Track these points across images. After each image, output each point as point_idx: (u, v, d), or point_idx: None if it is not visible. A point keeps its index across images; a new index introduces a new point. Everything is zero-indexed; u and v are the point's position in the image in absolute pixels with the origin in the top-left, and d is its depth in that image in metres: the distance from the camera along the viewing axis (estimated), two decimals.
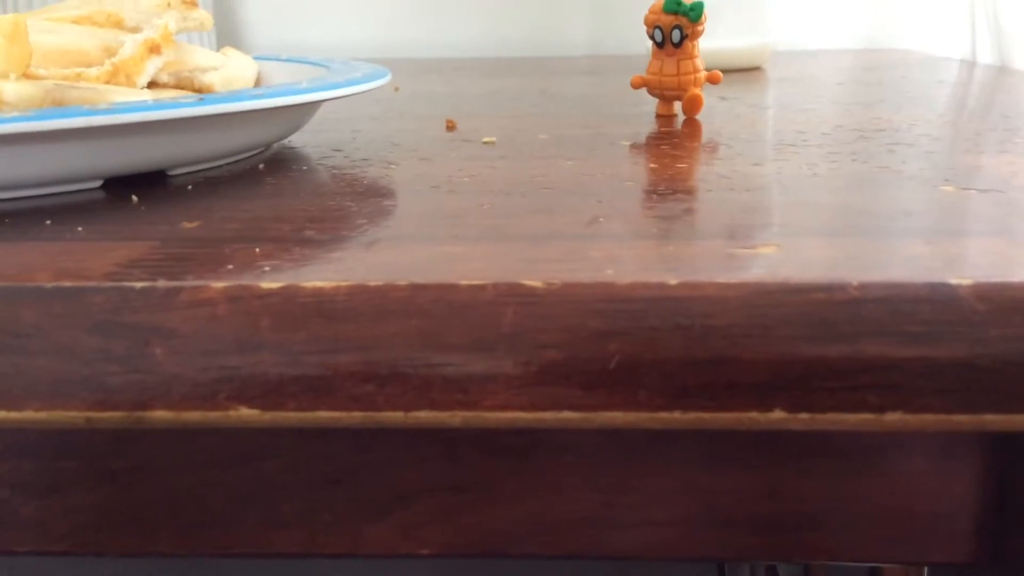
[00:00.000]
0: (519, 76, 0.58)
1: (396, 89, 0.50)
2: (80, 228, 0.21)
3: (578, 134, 0.34)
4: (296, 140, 0.34)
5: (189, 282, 0.17)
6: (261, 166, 0.29)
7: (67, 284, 0.17)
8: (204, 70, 0.33)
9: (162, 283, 0.17)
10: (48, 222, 0.22)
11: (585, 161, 0.28)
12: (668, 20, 0.36)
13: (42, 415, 0.17)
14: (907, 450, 0.21)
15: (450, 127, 0.36)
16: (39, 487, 0.22)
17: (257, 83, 0.36)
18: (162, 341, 0.17)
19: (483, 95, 0.48)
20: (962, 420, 0.16)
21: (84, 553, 0.23)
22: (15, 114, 0.21)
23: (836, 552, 0.22)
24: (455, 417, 0.17)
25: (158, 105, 0.23)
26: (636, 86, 0.37)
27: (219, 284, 0.17)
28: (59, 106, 0.24)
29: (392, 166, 0.29)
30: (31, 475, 0.22)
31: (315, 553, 0.23)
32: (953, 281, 0.16)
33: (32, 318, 0.17)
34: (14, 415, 0.17)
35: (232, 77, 0.34)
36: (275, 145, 0.33)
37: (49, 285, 0.17)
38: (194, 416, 0.17)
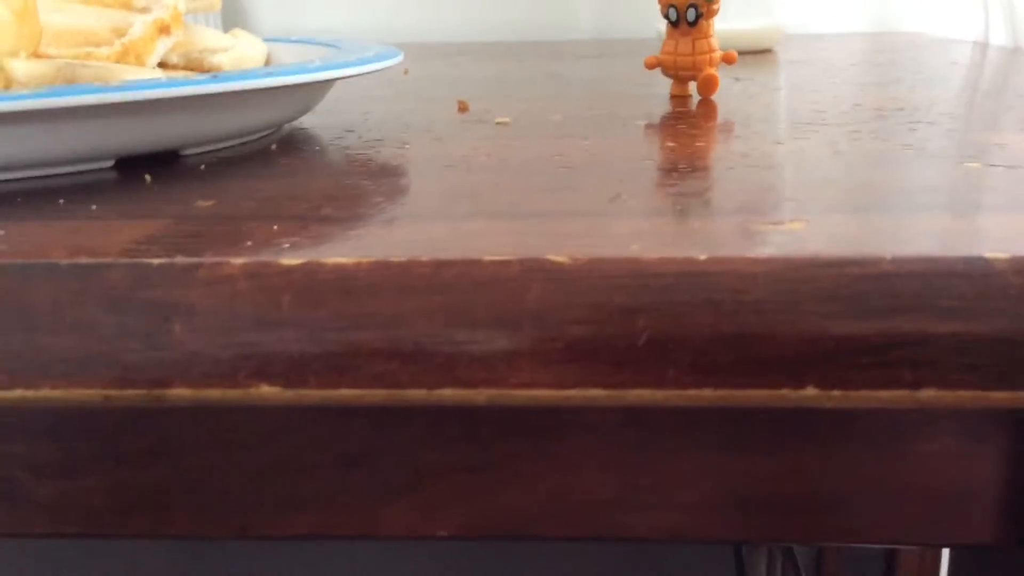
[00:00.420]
0: (526, 59, 0.57)
1: (405, 72, 0.50)
2: (94, 207, 0.21)
3: (592, 115, 0.34)
4: (307, 121, 0.34)
5: (208, 258, 0.17)
6: (274, 147, 0.29)
7: (83, 261, 0.17)
8: (214, 51, 0.33)
9: (180, 259, 0.17)
10: (61, 201, 0.21)
11: (602, 140, 0.28)
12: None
13: (59, 393, 0.17)
14: (931, 431, 0.21)
15: (462, 108, 0.35)
16: (54, 468, 0.22)
17: (267, 64, 0.36)
18: (181, 318, 0.16)
19: (492, 77, 0.47)
20: (998, 397, 0.16)
21: (98, 536, 0.23)
22: (26, 91, 0.21)
23: (858, 534, 0.22)
24: (480, 395, 0.17)
25: (171, 83, 0.23)
26: (650, 66, 0.37)
27: (238, 260, 0.17)
28: (71, 84, 0.24)
29: (406, 146, 0.28)
30: (46, 456, 0.22)
31: (332, 535, 0.23)
32: (989, 255, 0.16)
33: (49, 295, 0.17)
34: (31, 394, 0.17)
35: (241, 58, 0.34)
36: (287, 126, 0.33)
37: (65, 262, 0.17)
38: (214, 394, 0.17)
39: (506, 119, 0.33)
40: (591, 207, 0.20)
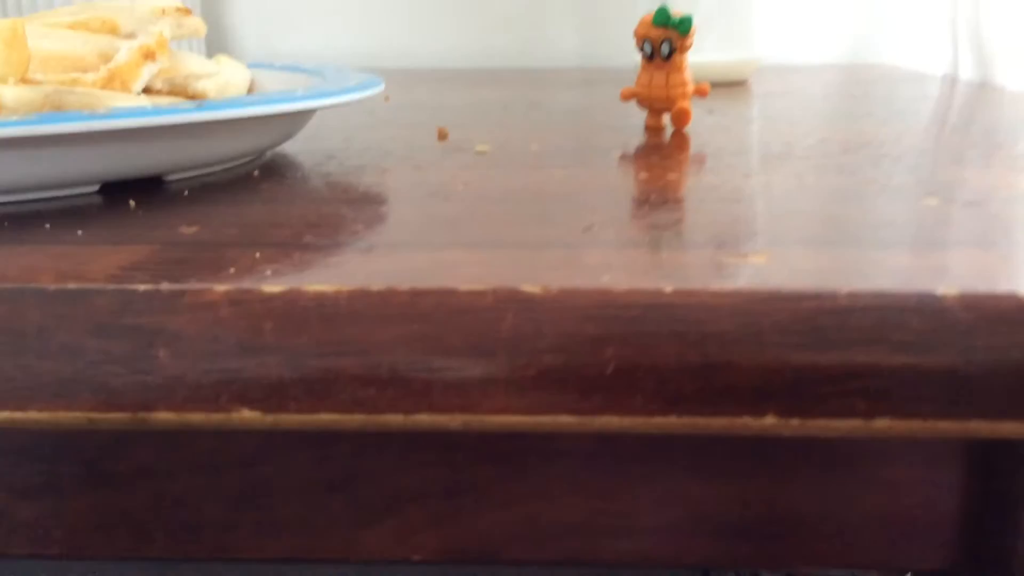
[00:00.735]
0: (508, 87, 0.58)
1: (386, 99, 0.51)
2: (80, 232, 0.21)
3: (569, 144, 0.34)
4: (289, 147, 0.34)
5: (192, 285, 0.17)
6: (256, 172, 0.29)
7: (71, 286, 0.17)
8: (198, 77, 0.33)
9: (165, 286, 0.17)
10: (47, 226, 0.22)
11: (577, 171, 0.29)
12: (657, 33, 0.36)
13: (45, 415, 0.17)
14: (892, 458, 0.22)
15: (441, 136, 0.36)
16: (36, 489, 0.22)
17: (250, 90, 0.36)
18: (165, 343, 0.17)
19: (472, 105, 0.48)
20: (948, 427, 0.17)
21: (79, 557, 0.23)
22: (14, 118, 0.22)
23: (822, 559, 0.23)
24: (455, 420, 0.17)
25: (157, 111, 0.23)
26: (626, 98, 0.38)
27: (221, 287, 0.17)
28: (58, 110, 0.24)
29: (386, 173, 0.29)
30: (28, 477, 0.22)
31: (311, 558, 0.23)
32: (940, 291, 0.17)
33: (36, 319, 0.17)
34: (18, 415, 0.17)
35: (226, 84, 0.34)
36: (269, 152, 0.33)
37: (52, 287, 0.17)
38: (197, 418, 0.17)
39: (485, 147, 0.33)
40: (565, 238, 0.21)
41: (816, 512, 0.22)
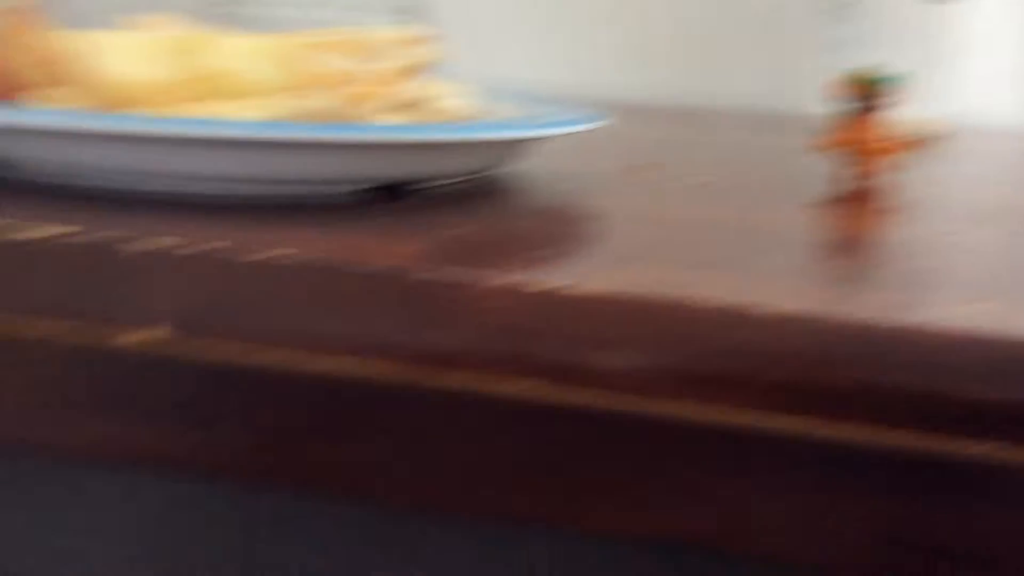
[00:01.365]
0: (716, 126, 0.60)
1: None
2: (368, 223, 0.25)
3: (773, 186, 0.36)
4: (515, 167, 0.38)
5: (465, 275, 0.20)
6: (491, 187, 0.32)
7: (376, 267, 0.21)
8: (437, 98, 0.37)
9: (447, 271, 0.21)
10: (343, 216, 0.26)
11: (783, 212, 0.31)
12: (862, 85, 0.37)
13: (354, 367, 0.21)
14: None
15: (648, 167, 0.39)
16: (305, 432, 0.25)
17: (480, 114, 0.40)
18: (446, 319, 0.20)
19: (685, 142, 0.50)
20: None
21: (338, 494, 0.26)
22: (309, 124, 0.26)
23: None
24: (684, 409, 0.19)
25: (406, 129, 0.27)
26: (827, 147, 0.39)
27: (489, 283, 0.20)
28: (343, 122, 0.29)
29: (609, 198, 0.32)
30: (301, 422, 0.25)
31: (547, 522, 0.25)
32: None
33: (353, 290, 0.21)
34: (326, 363, 0.21)
35: (460, 106, 0.38)
36: (500, 169, 0.37)
37: (360, 268, 0.21)
38: (486, 382, 0.20)
39: (696, 181, 0.36)
40: (785, 265, 0.23)
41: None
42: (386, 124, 0.27)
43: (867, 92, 0.37)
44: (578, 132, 0.32)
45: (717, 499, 0.23)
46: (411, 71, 0.36)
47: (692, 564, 0.26)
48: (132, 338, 0.22)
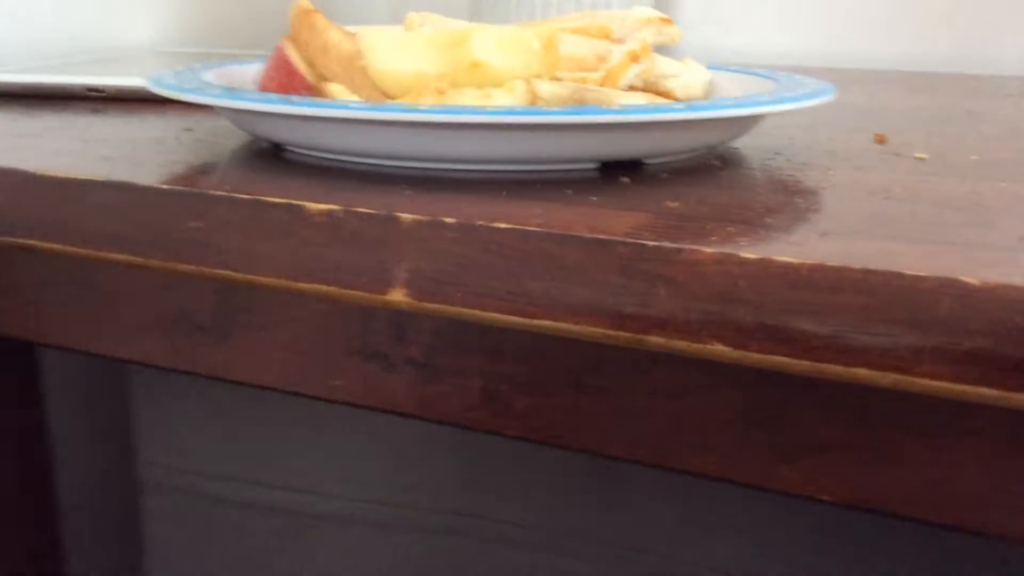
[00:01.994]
0: (944, 94, 0.58)
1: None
2: (594, 198, 0.28)
3: (1011, 158, 0.36)
4: (740, 142, 0.39)
5: (686, 245, 0.23)
6: (716, 162, 0.34)
7: (602, 236, 0.24)
8: (668, 77, 0.39)
9: (667, 244, 0.23)
10: (569, 192, 0.29)
11: (1019, 184, 0.31)
12: None
13: (574, 327, 0.24)
14: None
15: (880, 140, 0.39)
16: (527, 386, 0.30)
17: (709, 91, 0.42)
18: (666, 285, 0.23)
19: (908, 110, 0.50)
20: None
21: (553, 444, 0.30)
22: (552, 109, 0.29)
23: None
24: (887, 378, 0.21)
25: (652, 108, 0.29)
26: None
27: (708, 250, 0.23)
28: (581, 104, 0.32)
29: (829, 172, 0.33)
30: (523, 376, 0.29)
31: (729, 479, 0.28)
32: None
33: (576, 258, 0.24)
34: (548, 324, 0.24)
35: (689, 84, 0.40)
36: (725, 144, 0.39)
37: (588, 236, 0.24)
38: (680, 345, 0.23)
39: (923, 155, 0.36)
40: (1002, 242, 0.24)
41: None
42: (626, 105, 0.29)
43: None
44: (811, 106, 0.33)
45: (920, 466, 0.25)
46: (649, 51, 0.38)
47: (896, 528, 0.27)
48: (395, 296, 0.26)
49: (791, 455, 0.27)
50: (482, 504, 0.80)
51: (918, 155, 0.36)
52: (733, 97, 0.34)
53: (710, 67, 0.44)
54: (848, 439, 0.26)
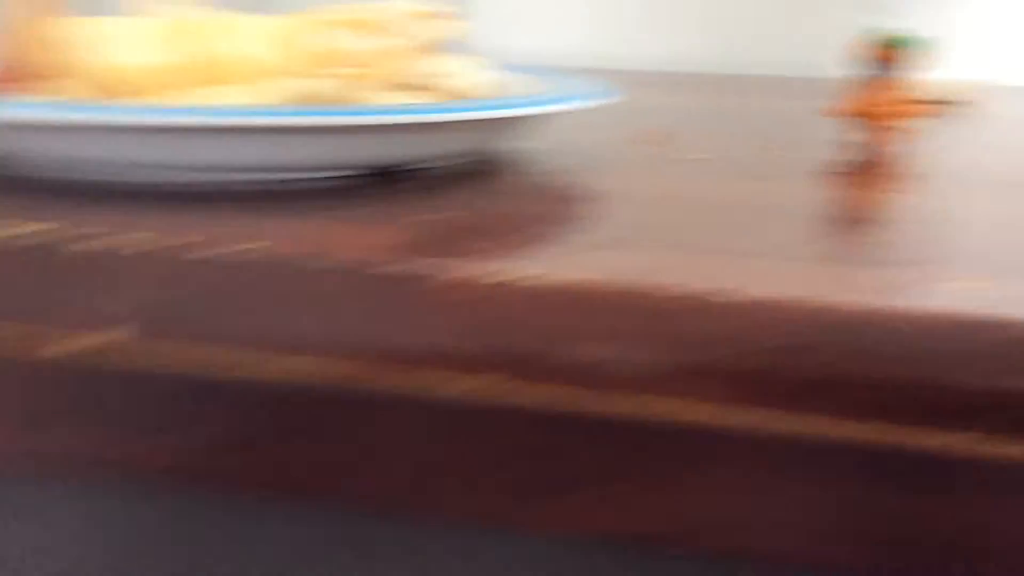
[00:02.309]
0: (734, 94, 0.59)
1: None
2: (342, 212, 0.25)
3: (781, 157, 0.36)
4: (516, 144, 0.37)
5: (434, 264, 0.20)
6: (483, 167, 0.32)
7: (347, 259, 0.21)
8: (451, 75, 0.37)
9: (418, 262, 0.21)
10: (318, 204, 0.26)
11: (785, 185, 0.30)
12: (884, 48, 0.36)
13: (316, 364, 0.21)
14: None
15: (655, 141, 0.38)
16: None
17: (494, 91, 0.39)
18: (408, 314, 0.20)
19: (689, 110, 0.50)
20: None
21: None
22: (309, 108, 0.25)
23: None
24: (640, 406, 0.19)
25: (415, 109, 0.27)
26: (842, 113, 0.38)
27: (457, 271, 0.20)
28: (333, 103, 0.28)
29: (610, 176, 0.31)
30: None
31: (511, 523, 0.26)
32: None
33: (321, 285, 0.21)
34: (284, 361, 0.21)
35: (474, 83, 0.38)
36: (498, 148, 0.36)
37: (334, 258, 0.21)
38: (445, 380, 0.20)
39: (700, 156, 0.35)
40: (766, 249, 0.22)
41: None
42: (379, 105, 0.27)
43: (889, 55, 0.36)
44: (586, 108, 0.31)
45: (682, 496, 0.23)
46: (424, 48, 0.36)
47: (656, 563, 0.26)
48: (92, 341, 0.22)
49: (552, 494, 0.25)
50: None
51: (700, 155, 0.35)
52: (501, 97, 0.32)
53: (506, 67, 0.42)
54: (609, 473, 0.24)
